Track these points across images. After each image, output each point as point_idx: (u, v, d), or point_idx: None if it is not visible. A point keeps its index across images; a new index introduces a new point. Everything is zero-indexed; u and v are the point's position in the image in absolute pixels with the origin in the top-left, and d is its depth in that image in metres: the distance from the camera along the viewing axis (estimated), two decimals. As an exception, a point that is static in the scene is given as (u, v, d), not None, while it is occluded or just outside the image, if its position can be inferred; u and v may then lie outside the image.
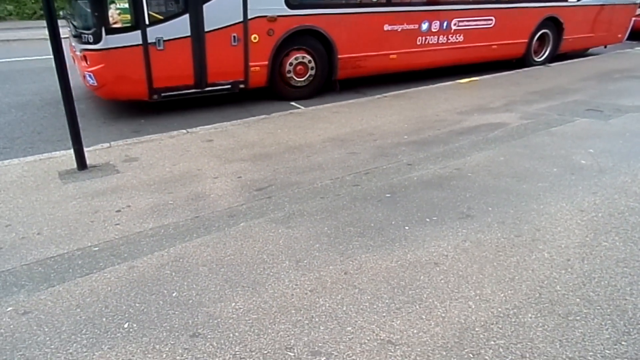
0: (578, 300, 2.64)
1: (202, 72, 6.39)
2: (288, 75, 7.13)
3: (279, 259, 3.03)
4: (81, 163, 4.44)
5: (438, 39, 8.42)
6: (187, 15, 6.03)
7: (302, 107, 6.87)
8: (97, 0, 5.53)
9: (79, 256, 3.10)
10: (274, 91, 7.23)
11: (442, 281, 2.81)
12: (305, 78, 7.29)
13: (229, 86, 6.71)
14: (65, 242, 3.25)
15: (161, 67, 6.06)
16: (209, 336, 2.39)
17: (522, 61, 9.96)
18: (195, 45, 6.19)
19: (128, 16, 5.75)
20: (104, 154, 4.87)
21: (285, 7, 6.65)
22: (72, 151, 4.54)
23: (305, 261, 3.02)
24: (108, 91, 6.12)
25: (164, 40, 5.96)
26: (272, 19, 6.58)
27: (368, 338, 2.36)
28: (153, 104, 6.64)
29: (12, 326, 2.48)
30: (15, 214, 3.65)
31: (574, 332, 2.40)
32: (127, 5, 5.68)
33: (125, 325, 2.47)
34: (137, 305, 2.63)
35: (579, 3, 10.22)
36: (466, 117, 6.18)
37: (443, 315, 2.52)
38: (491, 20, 8.94)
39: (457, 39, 8.69)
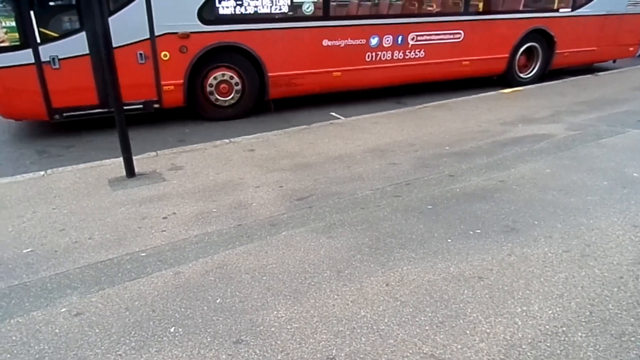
0: (632, 320, 2.52)
1: (107, 91, 5.84)
2: (210, 94, 6.71)
3: (320, 269, 3.05)
4: (130, 171, 4.61)
5: (392, 54, 7.67)
6: (83, 33, 5.73)
7: (342, 118, 6.90)
8: None
9: (127, 261, 3.21)
10: (198, 111, 6.85)
11: (486, 296, 2.75)
12: (230, 97, 6.82)
13: (140, 106, 6.33)
14: (115, 247, 3.38)
15: (59, 87, 5.77)
16: (251, 343, 2.42)
17: (503, 78, 8.98)
18: (96, 64, 5.79)
19: (16, 34, 5.56)
20: (151, 163, 5.04)
21: (199, 22, 6.20)
22: (121, 159, 4.72)
23: (346, 271, 3.02)
24: (3, 111, 5.91)
25: (60, 59, 5.70)
26: (185, 36, 6.16)
27: (410, 351, 2.34)
28: (195, 116, 6.85)
29: (65, 327, 2.59)
30: (69, 219, 3.82)
31: (629, 353, 2.30)
32: (14, 24, 5.51)
33: (172, 330, 2.54)
34: (183, 310, 2.70)
35: (573, 13, 9.07)
36: (510, 128, 6.04)
37: (488, 331, 2.47)
38: (459, 34, 8.10)
39: (416, 54, 7.89)
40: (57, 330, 2.56)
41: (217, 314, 2.66)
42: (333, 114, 7.23)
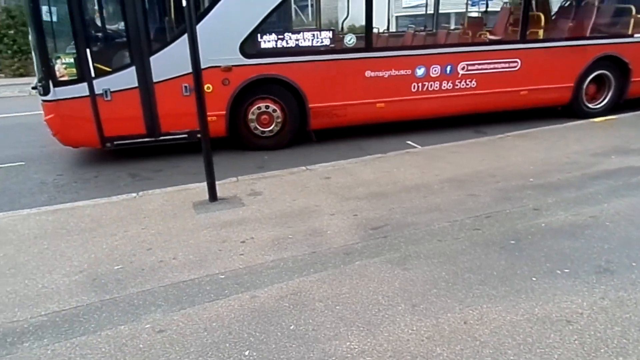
0: None
1: (154, 121, 6.38)
2: (251, 125, 6.81)
3: (395, 301, 2.99)
4: (212, 195, 4.84)
5: (440, 85, 7.35)
6: (133, 67, 6.12)
7: (419, 147, 6.81)
8: (43, 56, 5.87)
9: (207, 282, 3.34)
10: (241, 141, 6.95)
11: (576, 342, 2.54)
12: (271, 128, 6.88)
13: (185, 135, 6.58)
14: (197, 268, 3.54)
15: (110, 117, 6.16)
16: (323, 373, 2.41)
17: (569, 109, 8.21)
18: (144, 96, 6.21)
19: (74, 69, 5.98)
20: (232, 188, 5.26)
21: (241, 56, 6.37)
22: (205, 184, 4.98)
23: (421, 306, 2.93)
24: (62, 138, 6.31)
25: (112, 92, 6.09)
26: (227, 69, 6.36)
27: (491, 396, 2.20)
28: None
29: (149, 342, 2.73)
30: (156, 239, 4.06)
31: None
32: (72, 60, 5.96)
33: (246, 353, 2.59)
34: (257, 334, 2.75)
35: None
36: (602, 159, 5.64)
37: (578, 381, 2.27)
38: (515, 62, 7.60)
39: (467, 84, 7.49)
40: (141, 346, 2.71)
41: (291, 340, 2.68)
42: (409, 142, 7.16)
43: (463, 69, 7.41)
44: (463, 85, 7.51)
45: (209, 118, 6.09)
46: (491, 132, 7.48)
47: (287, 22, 7.52)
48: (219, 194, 4.94)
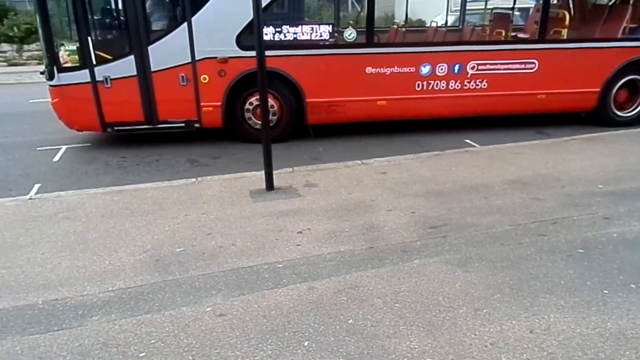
0: None
1: (152, 109, 6.50)
2: (247, 117, 6.79)
3: (456, 304, 2.91)
4: (269, 185, 4.89)
5: (448, 84, 7.00)
6: (132, 56, 6.25)
7: (478, 146, 6.61)
8: (49, 44, 6.13)
9: (265, 270, 3.38)
10: (237, 132, 6.93)
11: (654, 362, 2.39)
12: None
13: (182, 124, 6.67)
14: (254, 256, 3.58)
15: (111, 103, 6.35)
16: (383, 371, 2.38)
17: (595, 116, 7.60)
18: (142, 84, 6.35)
19: (76, 57, 6.24)
20: (288, 178, 5.29)
21: (237, 48, 6.32)
22: (261, 173, 5.04)
23: (484, 310, 2.84)
24: (67, 122, 6.58)
25: (112, 79, 6.26)
26: (223, 60, 6.35)
27: (561, 411, 2.10)
28: (328, 135, 7.08)
29: (210, 325, 2.79)
30: (215, 224, 4.15)
31: None
32: (75, 48, 6.19)
33: (306, 344, 2.60)
34: (316, 326, 2.75)
35: None
36: (680, 169, 5.28)
37: (658, 404, 2.13)
38: (532, 63, 7.11)
39: (477, 85, 7.08)
40: (203, 328, 2.77)
41: (349, 335, 2.66)
42: (467, 141, 6.96)
43: (473, 68, 7.00)
44: (473, 85, 7.09)
45: (204, 108, 6.57)
46: (555, 134, 7.16)
47: (297, 14, 7.25)
48: (275, 183, 4.99)
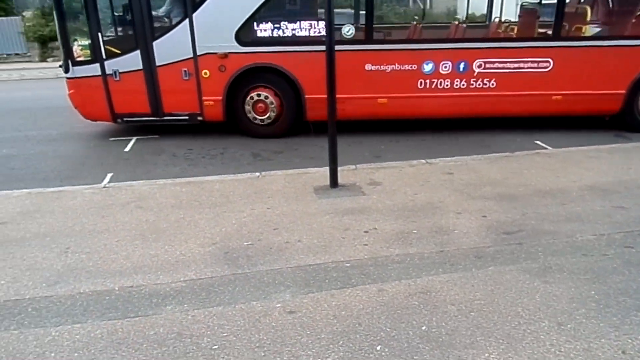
0: None
1: (158, 102, 6.75)
2: (248, 112, 6.84)
3: (537, 316, 2.75)
4: (334, 181, 4.85)
5: (452, 83, 6.68)
6: (138, 51, 6.52)
7: (550, 148, 6.28)
8: (64, 39, 6.55)
9: (333, 269, 3.34)
10: (239, 127, 7.01)
11: None
12: (266, 116, 6.87)
13: (186, 117, 6.87)
14: (321, 253, 3.55)
15: (119, 95, 6.68)
16: (462, 383, 2.28)
17: (621, 120, 7.03)
18: (148, 78, 6.62)
19: (88, 51, 6.60)
20: (351, 175, 5.23)
21: (237, 44, 6.42)
22: (325, 169, 5.01)
23: (568, 325, 2.66)
24: (82, 112, 6.96)
25: (120, 72, 6.58)
26: (223, 56, 6.46)
27: None
28: (390, 130, 6.95)
29: (280, 322, 2.79)
30: (281, 219, 4.16)
31: None
32: (87, 43, 6.57)
33: (378, 348, 2.54)
34: (388, 330, 2.68)
35: None
36: None
37: None
38: (546, 62, 6.64)
39: (484, 84, 6.71)
40: (273, 324, 2.77)
41: (423, 342, 2.57)
42: (538, 142, 6.63)
43: (479, 66, 6.66)
44: (480, 84, 6.74)
45: (206, 102, 6.75)
46: (637, 138, 6.68)
47: (311, 11, 7.08)
48: (339, 180, 4.94)
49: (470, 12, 10.01)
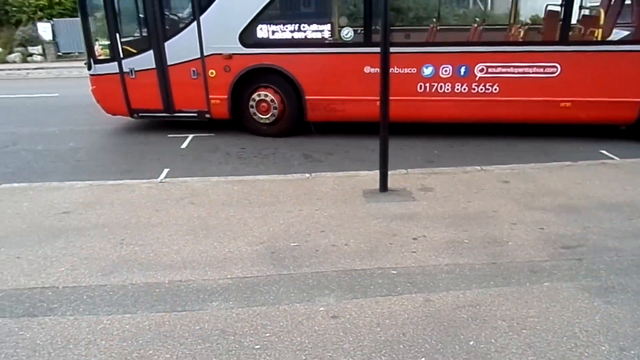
0: None
1: (169, 99, 7.13)
2: (252, 111, 7.04)
3: (596, 339, 2.57)
4: (384, 186, 4.77)
5: (453, 87, 6.49)
6: (151, 51, 6.93)
7: (617, 158, 5.89)
8: (87, 39, 7.11)
9: (379, 275, 3.28)
10: (244, 125, 7.24)
11: None
12: (269, 115, 7.02)
13: (195, 114, 7.20)
14: (367, 259, 3.50)
15: (135, 92, 7.13)
16: (510, 405, 2.16)
17: (638, 129, 6.49)
18: (160, 76, 7.01)
19: (108, 50, 7.11)
20: (401, 180, 5.13)
21: (240, 45, 6.65)
22: (375, 172, 4.94)
23: (632, 351, 2.47)
24: (103, 106, 7.49)
25: (136, 70, 7.03)
26: (228, 57, 6.71)
27: None
28: (444, 134, 6.78)
29: (323, 326, 2.76)
30: (328, 222, 4.14)
31: None
32: (107, 43, 7.06)
33: (422, 360, 2.46)
34: (433, 342, 2.59)
35: None
36: None
37: None
38: (553, 67, 6.29)
39: (486, 89, 6.47)
40: (316, 328, 2.75)
41: (470, 357, 2.47)
42: (603, 151, 6.24)
43: (481, 71, 6.45)
44: (481, 89, 6.53)
45: (212, 100, 7.04)
46: None
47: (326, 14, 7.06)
48: (388, 184, 4.85)
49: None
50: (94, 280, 3.28)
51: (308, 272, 3.34)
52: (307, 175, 5.35)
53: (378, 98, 6.40)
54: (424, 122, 7.08)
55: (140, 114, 7.43)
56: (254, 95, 6.97)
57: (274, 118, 7.05)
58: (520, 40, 7.00)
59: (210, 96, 7.01)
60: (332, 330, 2.72)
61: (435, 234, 3.87)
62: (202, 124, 7.47)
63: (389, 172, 5.00)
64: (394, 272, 3.31)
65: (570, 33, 6.40)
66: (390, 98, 6.46)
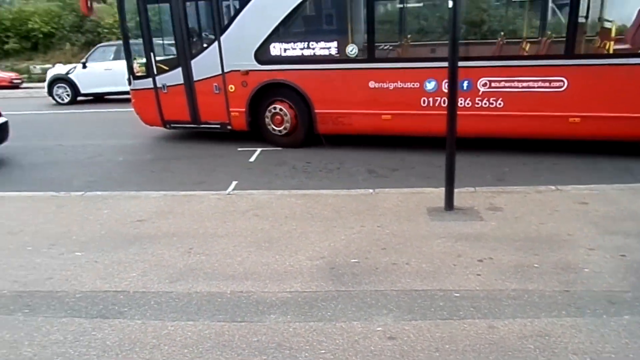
0: None
1: (195, 111, 7.81)
2: (267, 123, 7.49)
3: (684, 383, 2.31)
4: (449, 204, 4.63)
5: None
6: (180, 68, 7.68)
7: None
8: (128, 58, 8.02)
9: (440, 297, 3.17)
10: (263, 136, 7.70)
11: None
12: (282, 127, 7.44)
13: (218, 126, 7.82)
14: (429, 279, 3.40)
15: (167, 105, 7.93)
16: None
17: None
18: (188, 91, 7.73)
19: (144, 68, 7.98)
20: (468, 198, 4.95)
21: (255, 62, 7.18)
22: (441, 190, 4.81)
23: None
24: (142, 118, 8.38)
25: (167, 86, 7.81)
26: (245, 73, 7.27)
27: None
28: (516, 150, 6.47)
29: (380, 347, 2.71)
30: (390, 239, 4.07)
31: None
32: (143, 61, 7.94)
33: (482, 391, 2.33)
34: (496, 372, 2.45)
35: None
36: None
37: None
38: (560, 81, 6.12)
39: (490, 103, 6.44)
40: (372, 348, 2.70)
41: (536, 392, 2.31)
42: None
43: (484, 85, 6.44)
44: (485, 104, 6.50)
45: (232, 113, 7.64)
46: None
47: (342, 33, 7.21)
48: (454, 203, 4.70)
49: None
50: (162, 286, 3.45)
51: (367, 290, 3.30)
52: (371, 190, 5.31)
53: (382, 112, 6.90)
54: (429, 137, 6.91)
55: (171, 125, 8.20)
56: (270, 108, 7.45)
57: (286, 130, 7.48)
58: (523, 54, 6.93)
59: (231, 109, 7.60)
60: (389, 352, 2.65)
61: (503, 256, 3.69)
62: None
63: (456, 190, 4.85)
64: (457, 294, 3.19)
65: (574, 44, 6.16)
66: (395, 111, 6.80)
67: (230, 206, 4.99)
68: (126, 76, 8.24)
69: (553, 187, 5.18)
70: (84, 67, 13.63)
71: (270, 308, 3.14)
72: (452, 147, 4.54)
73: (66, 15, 21.18)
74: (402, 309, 3.05)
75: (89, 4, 7.72)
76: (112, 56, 13.76)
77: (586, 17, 6.91)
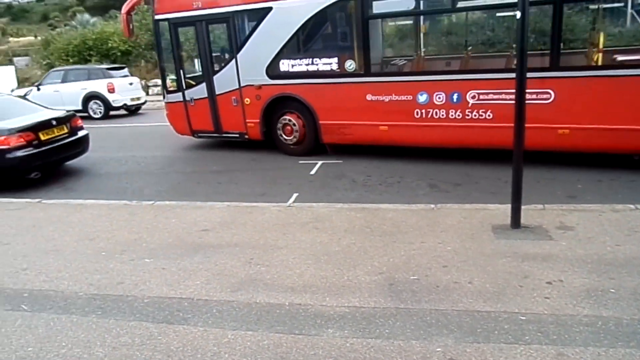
0: None
1: (218, 122, 8.65)
2: (279, 133, 8.14)
3: None
4: (516, 221, 4.44)
5: (447, 113, 6.78)
6: (204, 84, 8.57)
7: None
8: (162, 75, 9.40)
9: (505, 320, 3.03)
10: (276, 145, 8.33)
11: None
12: (292, 137, 8.05)
13: (237, 135, 8.61)
14: (493, 300, 3.26)
15: (194, 116, 8.84)
16: None
17: None
18: (211, 104, 8.57)
19: (175, 83, 8.98)
20: (537, 216, 4.72)
21: (267, 77, 7.87)
22: (507, 206, 4.62)
23: None
24: (175, 128, 9.34)
25: (194, 99, 8.73)
26: (258, 87, 8.01)
27: None
28: (590, 166, 6.09)
29: (439, 368, 2.63)
30: (452, 256, 3.96)
31: None
32: (175, 77, 8.95)
33: (550, 423, 2.20)
34: (565, 404, 2.30)
35: None
36: None
37: None
38: (546, 93, 6.19)
39: (480, 115, 6.61)
40: (431, 369, 2.62)
41: None
42: None
43: (473, 97, 6.62)
44: (475, 115, 6.67)
45: (248, 124, 8.40)
46: None
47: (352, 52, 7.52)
48: (521, 220, 4.50)
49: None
50: (223, 295, 3.55)
51: (427, 308, 3.22)
52: (432, 205, 5.20)
53: (380, 123, 7.32)
54: (424, 147, 7.28)
55: (199, 134, 9.10)
56: (281, 119, 8.08)
57: (296, 139, 8.08)
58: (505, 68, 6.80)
59: (247, 120, 8.34)
60: (447, 374, 2.57)
61: (574, 279, 3.47)
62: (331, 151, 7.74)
63: (523, 207, 4.64)
64: (523, 318, 3.04)
65: (559, 56, 6.14)
66: (390, 123, 7.15)
67: (290, 218, 5.07)
68: (159, 90, 9.57)
69: (632, 206, 4.83)
70: (38, 89, 15.03)
71: (328, 322, 3.14)
72: (519, 161, 4.36)
73: (142, 35, 22.55)
74: (464, 330, 2.95)
75: (130, 27, 8.77)
76: (60, 79, 15.10)
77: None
